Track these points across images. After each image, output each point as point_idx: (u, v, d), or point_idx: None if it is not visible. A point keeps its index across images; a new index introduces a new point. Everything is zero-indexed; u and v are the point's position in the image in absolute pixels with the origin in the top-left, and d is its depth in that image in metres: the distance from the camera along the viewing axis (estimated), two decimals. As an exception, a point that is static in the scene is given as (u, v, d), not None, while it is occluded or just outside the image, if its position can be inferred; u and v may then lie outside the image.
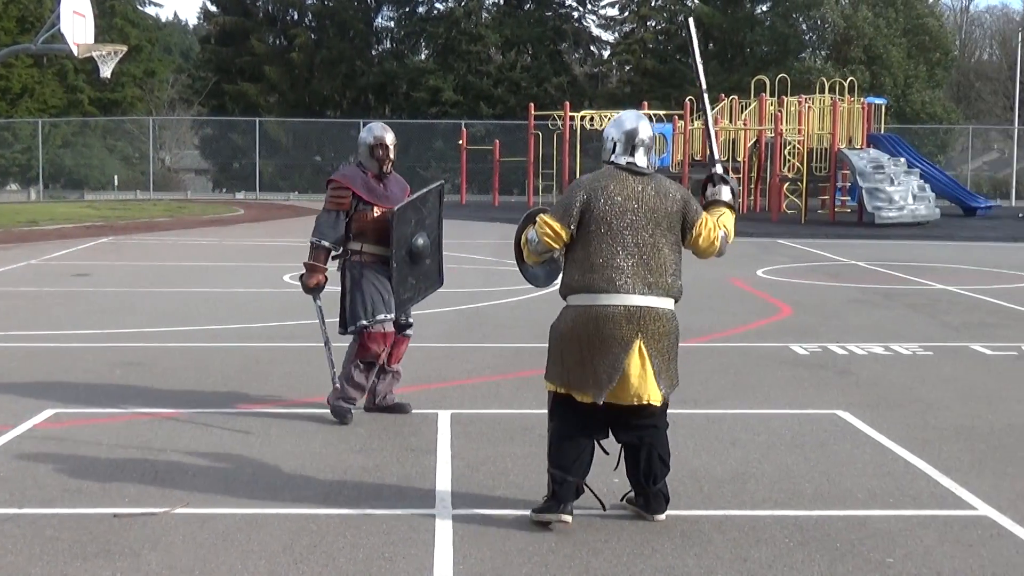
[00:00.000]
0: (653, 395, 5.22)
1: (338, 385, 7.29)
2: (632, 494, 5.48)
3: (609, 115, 33.95)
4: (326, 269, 7.36)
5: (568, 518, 5.24)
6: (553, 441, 5.39)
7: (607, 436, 5.41)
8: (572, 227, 5.29)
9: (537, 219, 5.41)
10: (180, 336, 10.79)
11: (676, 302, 5.34)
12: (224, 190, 47.25)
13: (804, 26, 51.13)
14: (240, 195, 44.09)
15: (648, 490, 5.37)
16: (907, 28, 48.51)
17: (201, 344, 10.32)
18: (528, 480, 5.94)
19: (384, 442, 6.80)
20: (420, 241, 7.25)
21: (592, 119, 33.75)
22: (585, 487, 5.38)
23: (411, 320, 7.58)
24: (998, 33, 72.48)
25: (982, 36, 74.93)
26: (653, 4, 53.04)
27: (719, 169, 5.73)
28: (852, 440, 6.95)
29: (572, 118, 33.46)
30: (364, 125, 7.83)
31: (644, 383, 5.20)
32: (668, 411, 5.45)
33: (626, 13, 53.64)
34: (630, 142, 5.43)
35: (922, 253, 21.21)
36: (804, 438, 6.98)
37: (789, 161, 31.59)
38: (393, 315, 7.28)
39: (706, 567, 4.80)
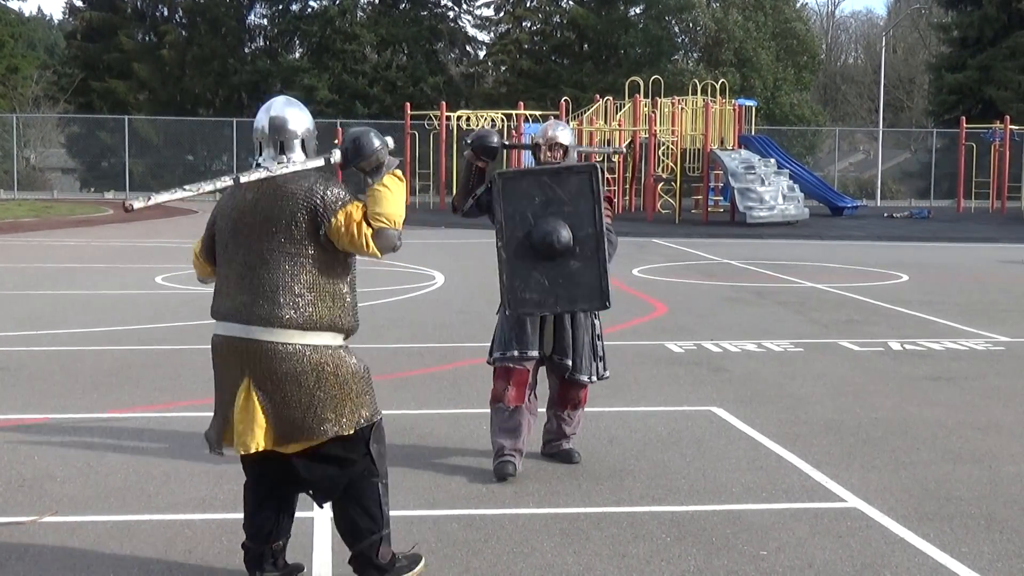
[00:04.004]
0: (263, 444, 4.24)
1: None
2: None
3: (486, 115, 34.08)
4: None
5: None
6: (244, 501, 4.56)
7: (297, 486, 4.45)
8: (204, 252, 4.48)
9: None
10: (48, 339, 10.49)
11: (322, 330, 4.27)
12: (93, 190, 46.10)
13: (676, 29, 52.02)
14: (109, 195, 43.06)
15: (350, 549, 4.48)
16: (776, 32, 49.66)
17: (70, 347, 10.05)
18: (405, 479, 5.90)
19: (260, 445, 6.69)
20: (563, 234, 5.70)
21: (468, 119, 33.80)
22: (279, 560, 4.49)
23: (589, 375, 6.24)
24: (863, 37, 74.65)
25: (847, 40, 77.08)
26: (528, 5, 53.35)
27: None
28: (726, 436, 7.07)
29: (448, 118, 33.56)
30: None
31: (250, 431, 4.22)
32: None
33: (501, 13, 53.83)
34: (260, 137, 4.33)
35: (792, 252, 21.70)
36: (680, 435, 7.08)
37: (663, 162, 32.06)
38: (529, 352, 6.04)
39: (585, 564, 4.83)
